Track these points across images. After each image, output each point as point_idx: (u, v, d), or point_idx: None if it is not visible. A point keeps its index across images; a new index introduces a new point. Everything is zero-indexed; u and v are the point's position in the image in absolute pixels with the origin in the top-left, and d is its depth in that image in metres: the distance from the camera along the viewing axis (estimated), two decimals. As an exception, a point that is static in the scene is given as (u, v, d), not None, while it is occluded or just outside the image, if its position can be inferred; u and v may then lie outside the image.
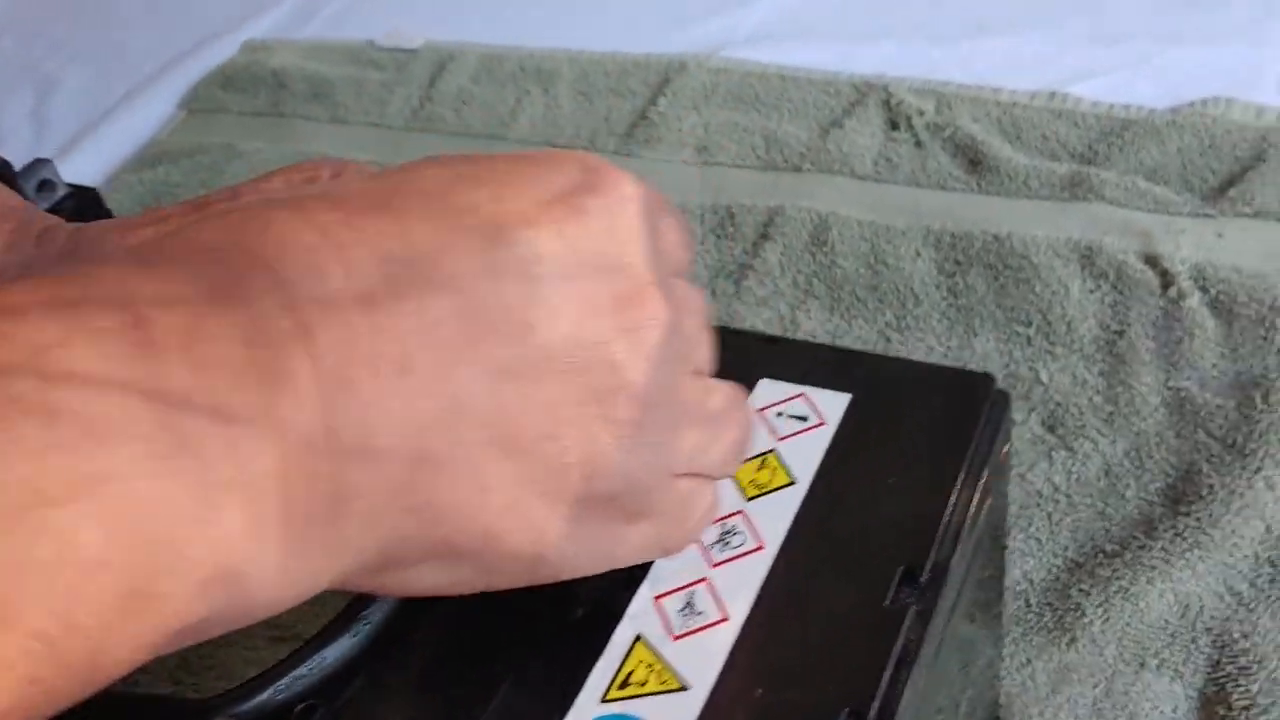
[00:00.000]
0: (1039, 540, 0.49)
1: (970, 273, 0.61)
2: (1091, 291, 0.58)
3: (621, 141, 0.75)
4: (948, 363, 0.57)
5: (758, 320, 0.61)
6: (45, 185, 0.47)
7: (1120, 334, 0.56)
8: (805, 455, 0.33)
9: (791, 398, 0.35)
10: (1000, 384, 0.35)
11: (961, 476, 0.32)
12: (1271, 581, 0.46)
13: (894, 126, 0.71)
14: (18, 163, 0.86)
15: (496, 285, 0.24)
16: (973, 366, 0.55)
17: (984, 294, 0.60)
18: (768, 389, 0.35)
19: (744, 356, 0.37)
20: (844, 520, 0.31)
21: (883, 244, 0.64)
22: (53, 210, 0.47)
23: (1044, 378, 0.55)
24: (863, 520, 0.31)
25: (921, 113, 0.71)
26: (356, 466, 0.22)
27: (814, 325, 0.60)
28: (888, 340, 0.59)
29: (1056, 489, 0.51)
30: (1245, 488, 0.48)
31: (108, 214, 0.49)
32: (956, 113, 0.71)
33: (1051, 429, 0.53)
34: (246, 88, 0.85)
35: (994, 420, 0.34)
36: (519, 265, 0.24)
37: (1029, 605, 0.47)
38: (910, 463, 0.33)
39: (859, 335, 0.59)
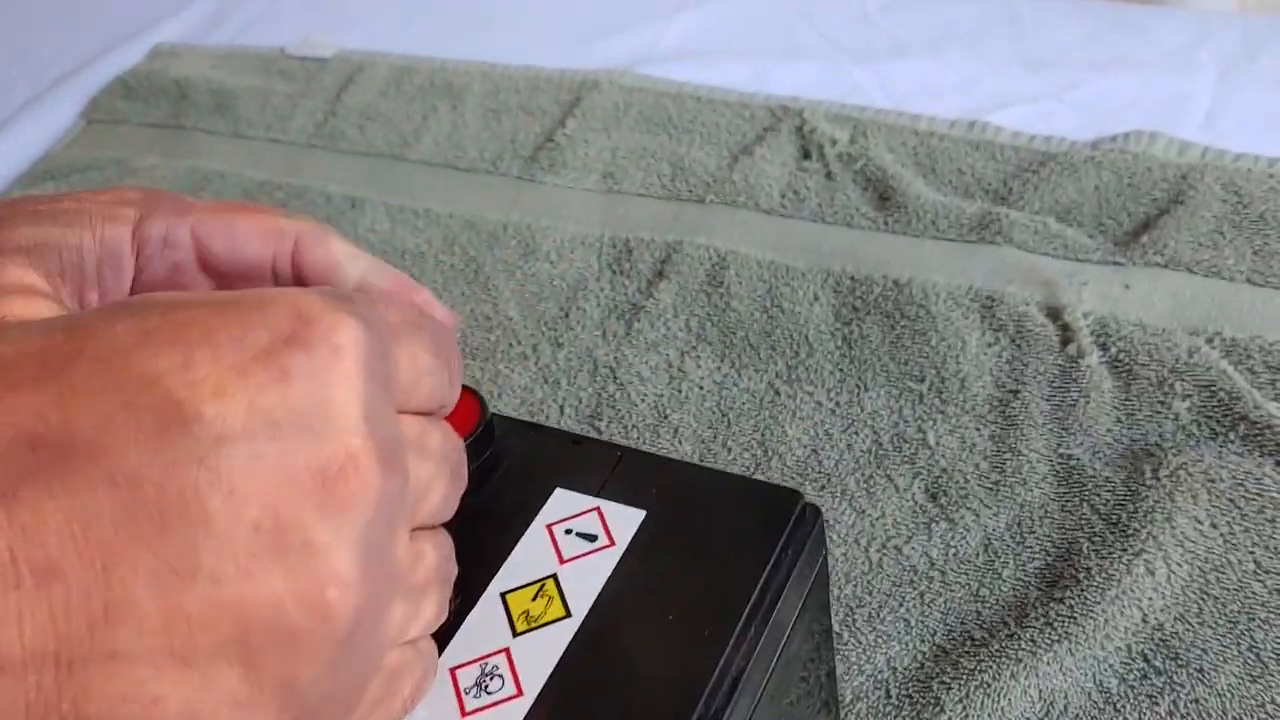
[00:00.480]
0: (907, 622, 0.46)
1: (867, 320, 0.58)
2: (990, 345, 0.56)
3: (526, 165, 0.72)
4: (838, 418, 0.54)
5: (644, 366, 0.58)
6: None
7: (1015, 393, 0.53)
8: (587, 582, 0.30)
9: (584, 512, 0.32)
10: (810, 498, 0.32)
11: (748, 610, 0.29)
12: (1143, 677, 0.43)
13: (806, 155, 0.68)
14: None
15: (168, 474, 0.21)
16: (859, 425, 0.53)
17: (879, 345, 0.57)
18: (562, 501, 0.33)
19: (544, 459, 0.34)
20: (611, 664, 0.29)
21: (781, 286, 0.61)
22: None
23: (931, 440, 0.52)
24: (632, 664, 0.29)
25: (834, 141, 0.68)
26: None
27: (702, 374, 0.57)
28: (776, 393, 0.56)
29: (933, 564, 0.48)
30: (1124, 572, 0.45)
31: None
32: (871, 141, 0.68)
33: (934, 498, 0.50)
34: (148, 97, 0.81)
35: (798, 541, 0.31)
36: (198, 448, 0.21)
37: (889, 695, 0.44)
38: (697, 593, 0.30)
39: (747, 387, 0.56)
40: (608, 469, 0.33)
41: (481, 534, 0.32)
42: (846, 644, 0.46)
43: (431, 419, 0.27)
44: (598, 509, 0.32)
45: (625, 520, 0.32)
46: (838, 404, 0.55)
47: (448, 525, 0.28)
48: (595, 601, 0.30)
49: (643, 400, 0.57)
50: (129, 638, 0.21)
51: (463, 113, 0.76)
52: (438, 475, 0.27)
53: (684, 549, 0.31)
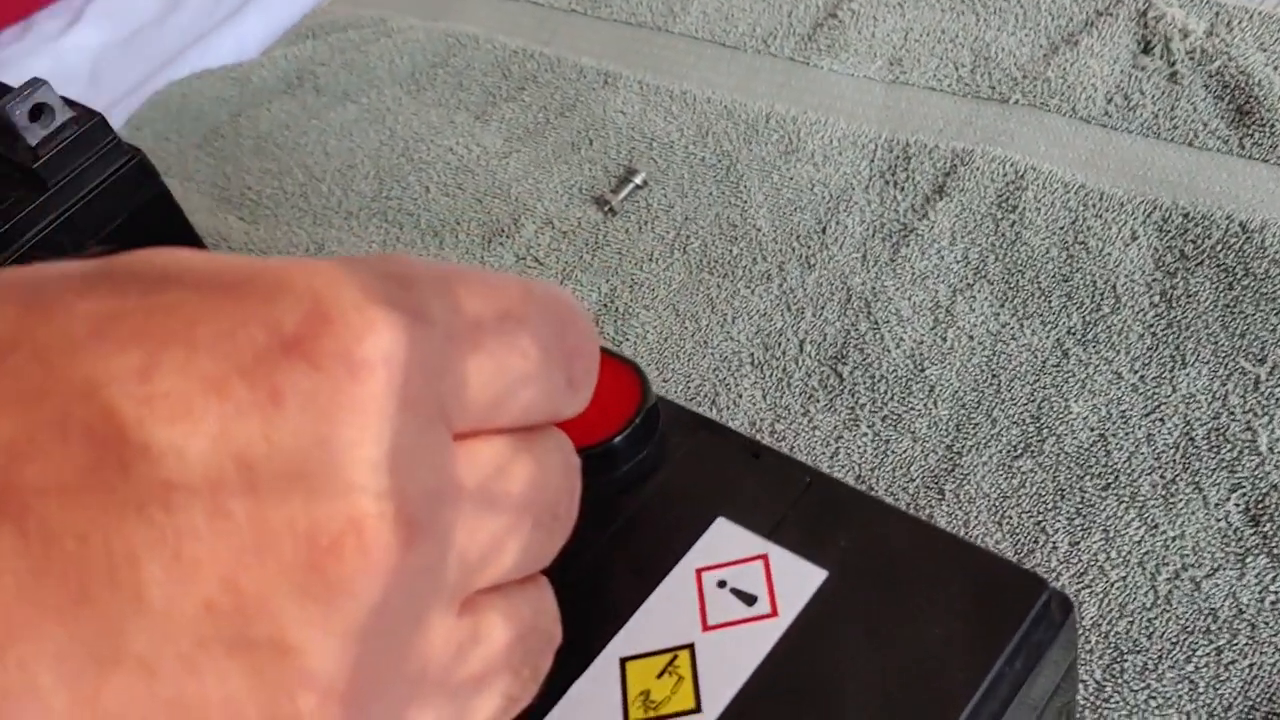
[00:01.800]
0: (1194, 685, 0.36)
1: (1197, 273, 0.46)
2: (1365, 323, 0.42)
3: (801, 45, 0.62)
4: (1141, 397, 0.43)
5: (906, 303, 0.49)
6: (40, 110, 0.41)
7: (1392, 393, 0.40)
8: (731, 665, 0.23)
9: (746, 560, 0.24)
10: (1056, 589, 0.23)
11: (948, 746, 0.21)
12: None
13: (1146, 49, 0.55)
14: (200, 28, 0.83)
15: (94, 525, 0.16)
16: (1167, 410, 0.42)
17: (1209, 307, 0.45)
18: (722, 536, 0.25)
19: (711, 471, 0.27)
20: (743, 795, 0.21)
21: (1090, 217, 0.49)
22: (50, 139, 0.41)
23: (1263, 443, 0.41)
24: (770, 801, 0.21)
25: (1186, 34, 0.54)
26: None
27: (975, 320, 0.47)
28: (1064, 355, 0.45)
29: (1241, 612, 0.37)
30: None
31: (114, 143, 0.43)
32: (1236, 35, 0.53)
33: (1255, 521, 0.39)
34: (414, -49, 0.77)
35: (1035, 649, 0.23)
36: (137, 493, 0.16)
37: (1156, 780, 0.35)
38: (880, 708, 0.22)
39: (1029, 343, 0.46)
40: (788, 500, 0.25)
41: (615, 565, 0.25)
42: (1109, 700, 0.36)
43: (528, 437, 0.20)
44: (764, 558, 0.24)
45: (798, 580, 0.24)
46: (1142, 379, 0.44)
47: (575, 539, 0.22)
48: (736, 696, 0.22)
49: (898, 345, 0.48)
50: None
51: (739, -21, 0.67)
52: (514, 529, 0.20)
53: (871, 637, 0.23)
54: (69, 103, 0.42)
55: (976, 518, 0.41)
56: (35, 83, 0.41)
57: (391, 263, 0.19)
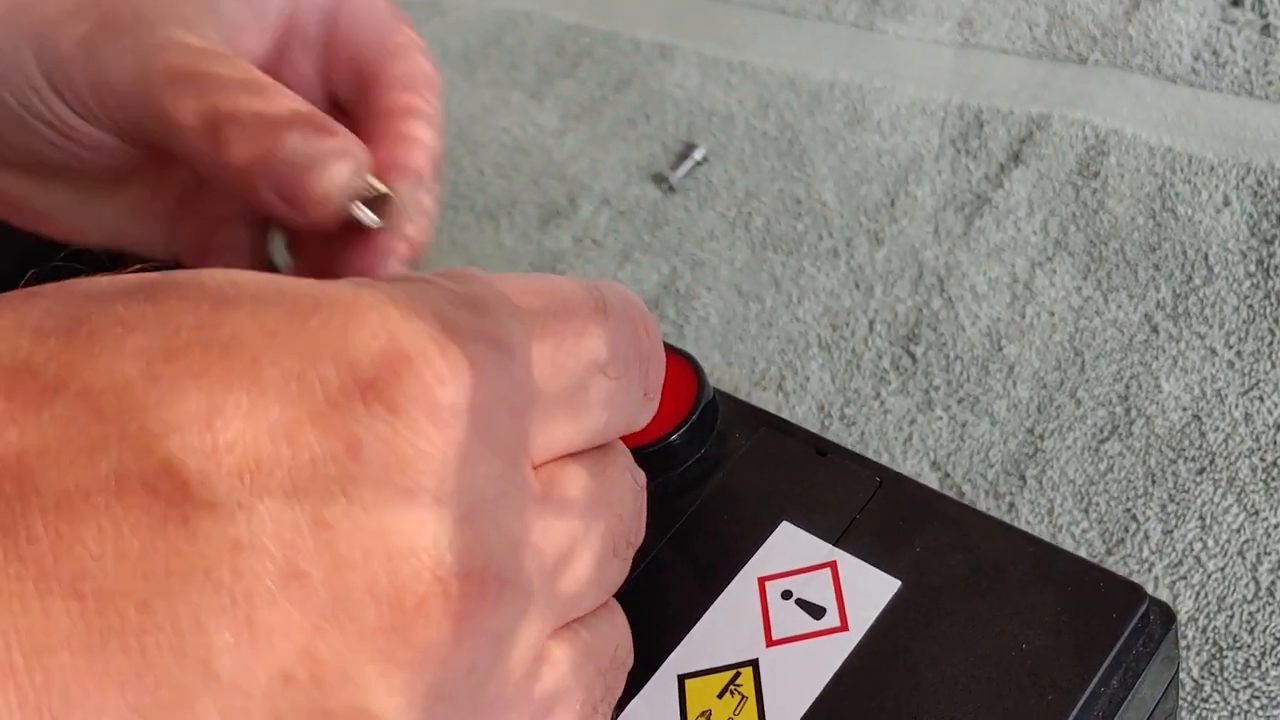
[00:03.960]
0: (1303, 684, 0.34)
1: (1297, 240, 0.43)
2: None
3: (866, 9, 0.59)
4: (1237, 374, 0.40)
5: (982, 278, 0.46)
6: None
7: None
8: (799, 684, 0.21)
9: (813, 568, 0.23)
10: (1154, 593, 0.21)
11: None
12: None
13: (1235, 2, 0.51)
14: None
15: (157, 589, 0.14)
16: (1267, 388, 0.39)
17: (1311, 275, 0.42)
18: (786, 542, 0.23)
19: (774, 472, 0.25)
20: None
21: (1178, 182, 0.46)
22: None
23: (1374, 422, 0.38)
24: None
25: (1280, -17, 0.50)
26: None
27: (1056, 294, 0.45)
28: (1153, 330, 0.43)
29: (1353, 604, 0.35)
30: None
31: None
32: (1337, -18, 0.50)
33: (1367, 506, 0.36)
34: (466, -73, 0.75)
35: (1134, 663, 0.20)
36: (205, 554, 0.14)
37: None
38: (959, 731, 0.20)
39: (1114, 318, 0.43)
40: (858, 503, 0.23)
41: (672, 573, 0.23)
42: (1208, 699, 0.34)
43: (601, 459, 0.19)
44: (833, 566, 0.23)
45: (869, 590, 0.22)
46: (1239, 354, 0.41)
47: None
48: (803, 718, 0.21)
49: (974, 323, 0.45)
50: None
51: (799, -58, 0.64)
52: (596, 565, 0.18)
53: (950, 655, 0.21)
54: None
55: (1061, 505, 0.39)
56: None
57: (461, 283, 0.17)
